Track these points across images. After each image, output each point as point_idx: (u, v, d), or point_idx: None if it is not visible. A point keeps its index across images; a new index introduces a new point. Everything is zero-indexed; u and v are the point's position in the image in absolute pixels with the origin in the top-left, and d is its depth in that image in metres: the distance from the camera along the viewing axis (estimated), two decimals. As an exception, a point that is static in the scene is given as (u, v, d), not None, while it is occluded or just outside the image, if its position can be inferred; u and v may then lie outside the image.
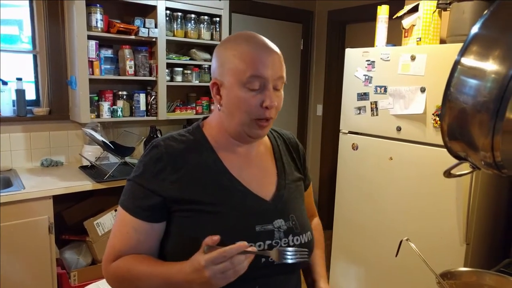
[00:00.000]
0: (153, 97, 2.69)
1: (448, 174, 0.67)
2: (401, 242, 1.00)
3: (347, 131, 2.48)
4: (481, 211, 1.99)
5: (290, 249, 0.79)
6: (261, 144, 1.00)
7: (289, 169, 1.01)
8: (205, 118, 0.99)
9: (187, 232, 0.84)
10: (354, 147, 2.43)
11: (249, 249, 0.74)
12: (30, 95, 2.57)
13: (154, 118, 2.72)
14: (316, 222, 1.17)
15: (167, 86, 2.73)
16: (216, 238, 0.75)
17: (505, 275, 0.98)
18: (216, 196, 0.86)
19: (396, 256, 1.00)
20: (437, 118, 2.00)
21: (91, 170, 2.47)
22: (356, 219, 2.45)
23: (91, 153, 2.59)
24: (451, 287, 0.96)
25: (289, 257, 0.77)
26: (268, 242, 0.86)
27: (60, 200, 2.20)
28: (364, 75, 2.33)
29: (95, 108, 2.51)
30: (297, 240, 0.90)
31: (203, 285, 0.73)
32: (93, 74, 2.43)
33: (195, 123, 0.98)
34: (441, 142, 2.02)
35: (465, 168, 0.68)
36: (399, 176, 2.20)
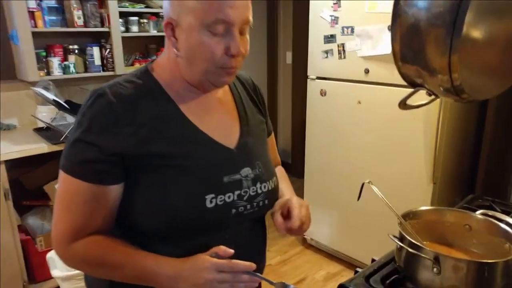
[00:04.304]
0: (108, 50, 2.50)
1: (403, 105, 0.60)
2: (363, 185, 0.95)
3: (315, 77, 2.39)
4: (448, 150, 1.99)
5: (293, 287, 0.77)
6: (219, 89, 0.90)
7: (250, 113, 0.93)
8: (153, 61, 0.88)
9: (152, 192, 0.76)
10: (323, 93, 2.36)
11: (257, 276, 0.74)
12: (-30, 53, 2.34)
13: (111, 73, 2.56)
14: (279, 168, 1.11)
15: (123, 37, 2.54)
16: (230, 251, 0.75)
17: (465, 211, 0.96)
18: (179, 149, 0.78)
19: (358, 199, 0.96)
20: (405, 58, 1.94)
21: (47, 132, 2.32)
22: (327, 165, 2.43)
23: (45, 114, 2.42)
24: (412, 227, 0.93)
25: None
26: (237, 192, 0.81)
27: (18, 165, 2.08)
28: (330, 15, 2.22)
29: (44, 64, 2.32)
30: (264, 187, 0.86)
31: (192, 286, 0.72)
32: (36, 26, 2.21)
33: (141, 66, 0.87)
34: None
35: (422, 97, 0.61)
36: (368, 120, 2.17)
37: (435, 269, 0.78)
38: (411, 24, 0.46)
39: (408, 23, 0.46)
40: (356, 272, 0.99)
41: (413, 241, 0.83)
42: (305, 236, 2.61)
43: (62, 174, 0.77)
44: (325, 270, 2.37)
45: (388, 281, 0.89)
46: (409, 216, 0.95)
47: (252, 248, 0.90)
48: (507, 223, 0.88)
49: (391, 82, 2.02)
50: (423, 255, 0.80)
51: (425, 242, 0.95)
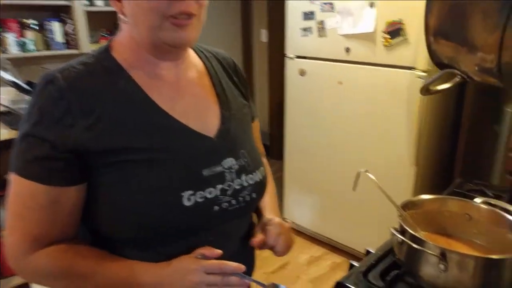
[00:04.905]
0: (71, 25, 2.30)
1: (426, 90, 0.52)
2: (359, 174, 0.88)
3: (293, 56, 2.30)
4: (429, 132, 1.97)
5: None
6: (192, 67, 0.79)
7: (231, 95, 0.82)
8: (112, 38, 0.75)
9: (118, 192, 0.66)
10: (302, 73, 2.27)
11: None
12: None
13: (75, 51, 2.36)
14: (264, 161, 1.02)
15: (87, 12, 2.35)
16: (218, 252, 0.69)
17: (466, 200, 0.91)
18: (147, 140, 0.67)
19: (354, 189, 0.89)
20: (387, 36, 1.87)
21: (6, 116, 2.13)
22: (307, 147, 2.37)
23: (5, 96, 2.21)
24: (411, 217, 0.88)
25: None
26: (219, 186, 0.71)
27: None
28: (309, -10, 2.11)
29: (-2, 41, 2.11)
30: (251, 179, 0.76)
31: None
32: (-14, -2, 1.99)
33: (101, 45, 0.74)
34: (391, 62, 1.92)
35: (446, 80, 0.53)
36: (349, 101, 2.11)
37: (441, 266, 0.73)
38: (452, -6, 0.38)
39: (449, -7, 0.38)
40: (351, 266, 0.93)
41: (416, 235, 0.77)
42: (286, 220, 2.56)
43: (12, 175, 0.65)
44: (307, 253, 2.34)
45: (388, 277, 0.84)
46: (407, 206, 0.89)
47: (240, 248, 0.82)
48: (510, 212, 0.84)
49: (373, 61, 1.96)
50: (428, 251, 0.74)
51: (423, 233, 0.90)
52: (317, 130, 2.30)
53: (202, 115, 0.75)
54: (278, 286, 0.71)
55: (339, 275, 2.19)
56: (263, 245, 0.79)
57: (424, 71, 1.79)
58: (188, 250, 0.69)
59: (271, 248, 0.80)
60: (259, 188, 0.80)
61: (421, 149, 1.94)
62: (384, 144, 2.01)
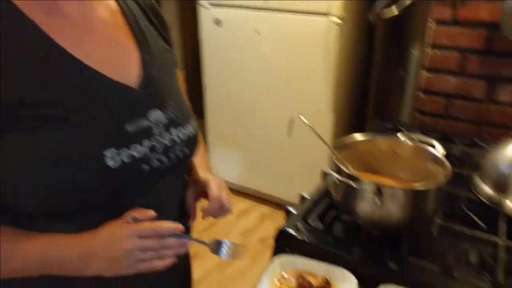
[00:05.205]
0: None
1: (375, 15, 0.49)
2: (292, 120, 0.86)
3: (207, 4, 2.16)
4: (345, 78, 2.03)
5: (229, 243, 0.68)
6: (102, 5, 0.66)
7: (151, 39, 0.71)
8: None
9: (24, 158, 0.54)
10: (217, 23, 2.16)
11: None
12: None
13: None
14: None
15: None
16: (151, 213, 0.62)
17: (393, 137, 0.95)
18: (54, 92, 0.55)
19: (288, 135, 0.87)
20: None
21: None
22: (228, 101, 2.32)
23: None
24: (346, 159, 0.88)
25: (226, 253, 0.67)
26: (147, 143, 0.62)
27: None
28: None
29: None
30: (182, 134, 0.69)
31: (108, 262, 0.59)
32: None
33: None
34: (307, 9, 1.92)
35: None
36: (267, 51, 2.07)
37: (377, 201, 0.75)
38: None
39: None
40: (288, 212, 0.93)
41: (352, 173, 0.78)
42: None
43: None
44: (235, 208, 2.36)
45: (326, 218, 0.85)
46: (340, 147, 0.89)
47: (174, 208, 0.75)
48: (431, 145, 0.89)
49: (291, 8, 1.92)
50: (365, 187, 0.76)
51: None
52: (236, 83, 2.24)
53: (119, 61, 0.64)
54: (221, 241, 0.68)
55: (269, 225, 2.28)
56: (208, 213, 0.75)
57: (339, 18, 1.81)
58: (117, 217, 0.61)
59: (217, 213, 0.76)
60: (192, 143, 0.73)
61: (339, 96, 2.01)
62: (304, 93, 2.03)
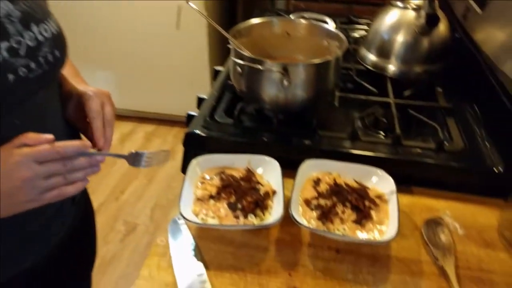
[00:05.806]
0: None
1: None
2: (179, 8, 0.74)
3: None
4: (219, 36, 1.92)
5: (148, 153, 0.58)
6: None
7: None
8: None
9: None
10: None
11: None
12: None
13: None
14: None
15: None
16: (48, 137, 0.48)
17: (287, 17, 0.91)
18: None
19: (177, 27, 0.76)
20: None
21: None
22: (87, 24, 2.00)
23: None
24: (245, 46, 0.81)
25: (146, 163, 0.59)
26: (4, 44, 0.48)
27: None
28: None
29: None
30: (45, 30, 0.55)
31: (7, 198, 0.47)
32: None
33: None
34: None
35: None
36: None
37: (285, 82, 0.73)
38: None
39: None
40: (190, 117, 0.84)
41: (256, 57, 0.73)
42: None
43: None
44: (116, 133, 2.15)
45: (234, 111, 0.81)
46: (235, 35, 0.82)
47: (61, 129, 0.62)
48: (324, 21, 0.89)
49: None
50: (271, 68, 0.72)
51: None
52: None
53: None
54: (140, 153, 0.59)
55: (157, 142, 2.18)
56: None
57: None
58: None
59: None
60: (60, 42, 0.58)
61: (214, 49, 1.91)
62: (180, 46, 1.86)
